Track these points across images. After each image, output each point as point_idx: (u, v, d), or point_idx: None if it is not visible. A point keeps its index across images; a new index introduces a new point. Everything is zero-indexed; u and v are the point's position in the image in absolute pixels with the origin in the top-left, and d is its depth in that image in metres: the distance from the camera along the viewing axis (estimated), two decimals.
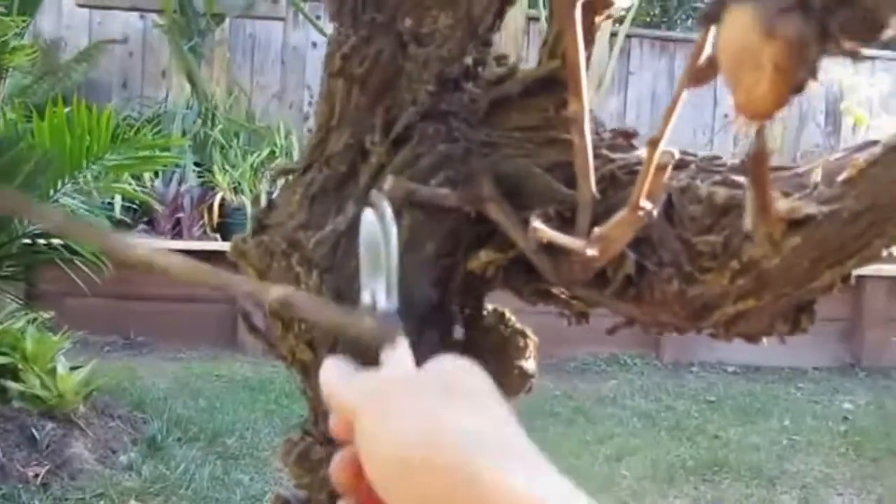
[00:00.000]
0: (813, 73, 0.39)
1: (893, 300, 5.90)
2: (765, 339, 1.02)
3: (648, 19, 8.18)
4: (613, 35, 6.62)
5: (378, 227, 0.64)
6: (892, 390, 5.70)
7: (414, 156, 0.91)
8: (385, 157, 0.92)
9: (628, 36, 6.90)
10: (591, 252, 0.69)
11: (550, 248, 0.88)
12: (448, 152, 0.91)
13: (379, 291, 0.61)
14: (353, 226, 0.92)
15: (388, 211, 0.63)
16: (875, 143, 0.85)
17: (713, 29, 0.42)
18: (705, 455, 4.38)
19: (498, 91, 0.95)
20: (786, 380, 5.71)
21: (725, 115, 7.08)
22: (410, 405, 0.50)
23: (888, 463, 4.31)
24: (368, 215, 0.66)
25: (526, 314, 1.07)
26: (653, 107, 7.02)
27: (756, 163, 0.41)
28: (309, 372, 0.95)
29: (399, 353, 0.59)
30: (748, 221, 0.38)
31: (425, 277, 0.91)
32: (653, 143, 0.55)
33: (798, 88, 0.39)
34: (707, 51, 0.44)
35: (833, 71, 7.05)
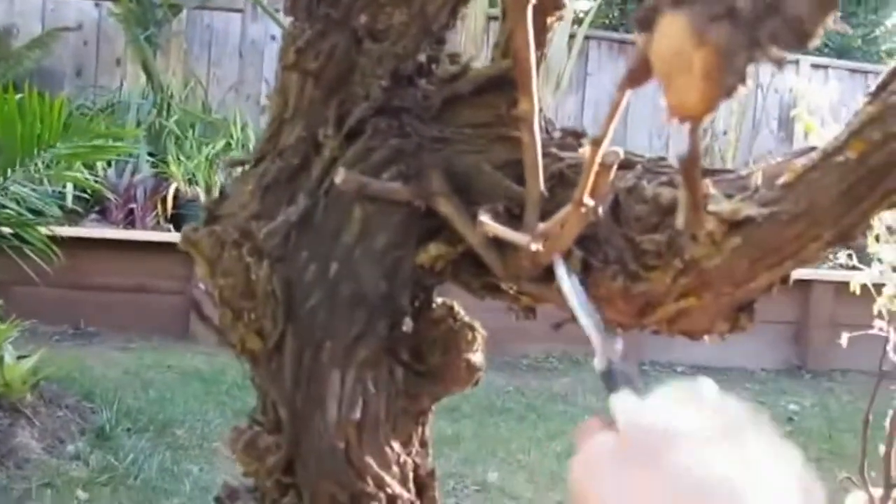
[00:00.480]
0: (742, 79, 0.41)
1: (839, 304, 6.01)
2: (707, 338, 1.05)
3: (607, 21, 8.25)
4: (572, 37, 6.66)
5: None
6: (835, 392, 5.81)
7: (366, 150, 0.93)
8: (337, 151, 0.93)
9: (586, 38, 6.95)
10: (536, 247, 0.71)
11: (498, 244, 0.90)
12: (400, 147, 0.93)
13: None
14: (305, 217, 0.93)
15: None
16: (814, 148, 0.88)
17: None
18: None
19: (450, 88, 0.96)
20: (734, 380, 5.80)
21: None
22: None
23: (831, 463, 4.39)
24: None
25: (479, 311, 1.09)
26: (610, 106, 7.08)
27: (688, 164, 0.43)
28: (258, 361, 0.96)
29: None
30: (681, 220, 0.41)
31: (376, 269, 0.92)
32: (596, 143, 0.56)
33: (728, 93, 0.41)
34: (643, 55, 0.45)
35: (787, 79, 7.17)
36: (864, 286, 3.00)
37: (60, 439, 3.69)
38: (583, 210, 0.61)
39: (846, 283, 3.12)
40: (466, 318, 1.05)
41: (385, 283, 0.93)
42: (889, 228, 3.05)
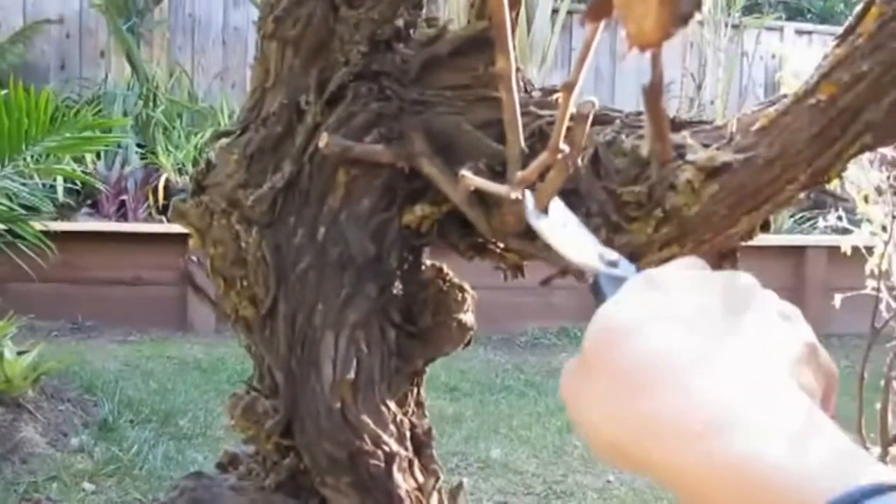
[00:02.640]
0: (697, 6, 0.42)
1: (833, 268, 6.03)
2: None
3: None
4: (555, 12, 6.65)
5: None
6: (832, 356, 5.84)
7: (348, 114, 0.94)
8: (320, 116, 0.94)
9: (570, 12, 6.95)
10: (515, 195, 0.72)
11: (482, 201, 0.92)
12: (381, 110, 0.94)
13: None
14: (291, 183, 0.95)
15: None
16: (785, 96, 0.90)
17: None
18: None
19: (429, 51, 0.97)
20: None
21: (670, 83, 7.18)
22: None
23: None
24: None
25: (477, 289, 1.10)
26: (596, 82, 7.08)
27: (652, 92, 0.44)
28: (252, 328, 0.97)
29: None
30: (646, 147, 0.42)
31: (362, 231, 0.94)
32: (567, 88, 0.58)
33: (684, 20, 0.43)
34: None
35: (772, 45, 7.18)
36: (855, 248, 3.02)
37: (64, 433, 3.70)
38: (559, 156, 0.63)
39: (839, 247, 3.15)
40: (456, 280, 1.07)
41: (372, 244, 0.95)
42: (878, 189, 3.08)
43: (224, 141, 1.00)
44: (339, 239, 0.94)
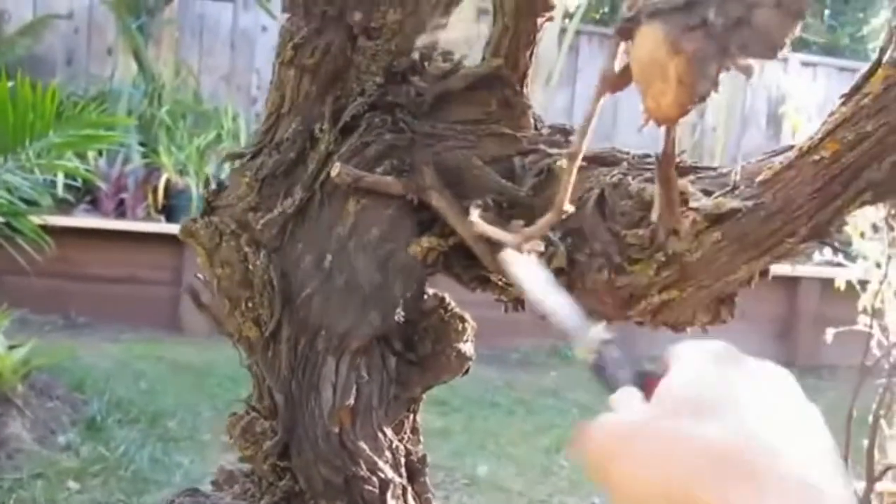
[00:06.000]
0: (714, 86, 0.44)
1: (826, 301, 6.05)
2: (690, 330, 1.08)
3: (597, 16, 8.27)
4: (563, 32, 6.69)
5: None
6: (822, 389, 5.85)
7: (361, 144, 0.96)
8: (333, 145, 0.96)
9: (577, 32, 6.98)
10: (525, 248, 0.74)
11: (488, 237, 0.93)
12: (393, 142, 0.96)
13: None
14: (301, 210, 0.97)
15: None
16: (791, 147, 0.92)
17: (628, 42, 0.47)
18: None
19: (443, 85, 0.99)
20: None
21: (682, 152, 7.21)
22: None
23: None
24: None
25: (470, 305, 1.11)
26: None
27: (664, 163, 0.46)
28: (254, 349, 0.99)
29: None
30: (655, 214, 0.43)
31: (369, 260, 0.95)
32: (572, 157, 0.60)
33: (700, 98, 0.44)
34: (621, 62, 0.48)
35: (776, 75, 7.21)
36: (849, 283, 3.04)
37: (52, 430, 3.70)
38: (563, 216, 0.65)
39: (833, 280, 3.17)
40: (457, 309, 1.08)
41: (378, 273, 0.96)
42: (874, 226, 3.10)
43: (237, 162, 1.01)
44: (345, 266, 0.95)
